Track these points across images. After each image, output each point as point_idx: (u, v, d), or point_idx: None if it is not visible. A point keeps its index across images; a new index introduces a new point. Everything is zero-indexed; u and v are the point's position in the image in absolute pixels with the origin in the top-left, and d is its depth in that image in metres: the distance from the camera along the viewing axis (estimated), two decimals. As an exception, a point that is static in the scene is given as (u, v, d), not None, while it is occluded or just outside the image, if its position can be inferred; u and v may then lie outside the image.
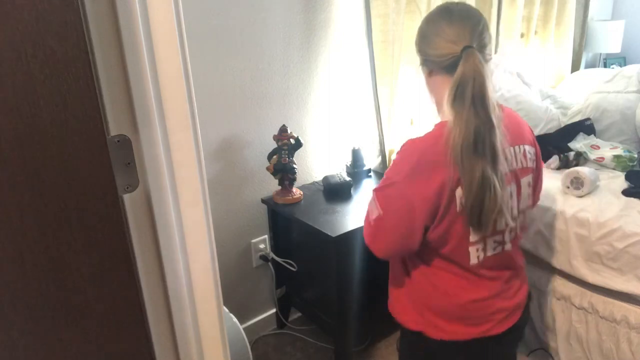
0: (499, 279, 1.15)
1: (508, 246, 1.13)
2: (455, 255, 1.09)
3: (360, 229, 1.66)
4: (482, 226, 1.04)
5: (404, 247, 1.10)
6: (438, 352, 1.17)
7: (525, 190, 1.14)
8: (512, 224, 1.10)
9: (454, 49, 1.03)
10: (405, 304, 1.20)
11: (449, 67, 1.05)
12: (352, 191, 1.96)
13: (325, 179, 1.97)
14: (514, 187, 1.10)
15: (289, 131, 1.81)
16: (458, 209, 1.03)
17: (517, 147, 1.12)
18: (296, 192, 1.89)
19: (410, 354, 1.27)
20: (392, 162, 1.14)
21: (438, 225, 1.05)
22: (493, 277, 1.14)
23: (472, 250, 1.08)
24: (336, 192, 1.93)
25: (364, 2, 2.03)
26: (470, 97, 1.00)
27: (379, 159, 2.24)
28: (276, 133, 1.81)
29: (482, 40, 1.05)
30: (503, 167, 1.02)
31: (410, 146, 1.07)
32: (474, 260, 1.09)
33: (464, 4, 1.12)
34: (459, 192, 1.02)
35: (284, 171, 1.82)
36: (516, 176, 1.11)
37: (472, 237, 1.06)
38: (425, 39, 1.11)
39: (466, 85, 1.00)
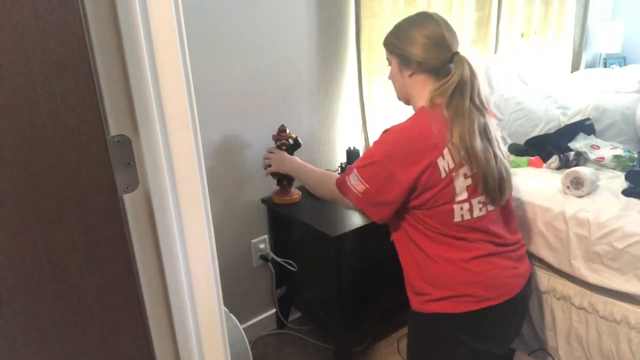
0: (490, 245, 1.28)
1: (491, 207, 1.29)
2: (439, 218, 1.23)
3: (362, 227, 1.67)
4: (496, 191, 1.25)
5: (393, 210, 1.26)
6: (451, 325, 1.26)
7: None
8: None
9: (444, 54, 1.23)
10: (419, 288, 1.32)
11: (434, 69, 1.25)
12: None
13: None
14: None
15: (287, 131, 1.80)
16: (442, 175, 1.20)
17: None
18: (295, 192, 1.88)
19: (423, 338, 1.34)
20: (374, 143, 1.27)
21: (424, 192, 1.21)
22: (480, 240, 1.27)
23: (456, 208, 1.23)
24: None
25: (354, 1, 2.01)
26: (469, 96, 1.21)
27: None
28: (275, 133, 1.81)
29: (459, 46, 1.27)
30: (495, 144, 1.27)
31: (397, 134, 1.23)
32: (457, 218, 1.23)
33: (439, 15, 1.29)
34: (441, 160, 1.19)
35: None
36: None
37: (458, 197, 1.23)
38: (411, 40, 1.25)
39: (464, 86, 1.20)
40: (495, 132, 1.31)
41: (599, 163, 1.97)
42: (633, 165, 1.93)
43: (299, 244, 1.91)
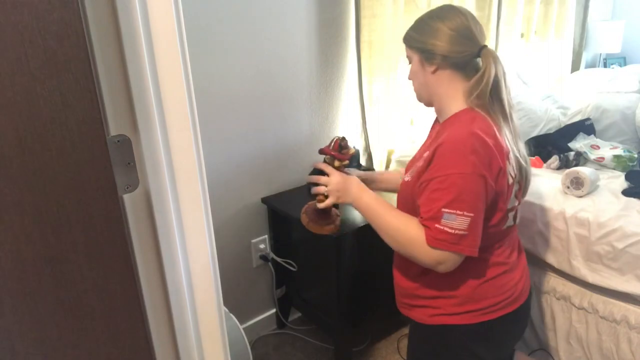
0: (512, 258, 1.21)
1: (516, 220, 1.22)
2: (492, 232, 1.13)
3: (362, 227, 1.67)
4: (526, 191, 1.19)
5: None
6: (465, 336, 1.18)
7: None
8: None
9: (471, 47, 1.09)
10: (426, 302, 1.20)
11: (460, 64, 1.11)
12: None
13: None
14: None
15: (350, 145, 1.31)
16: (510, 181, 1.09)
17: None
18: (338, 215, 1.35)
19: (430, 350, 1.24)
20: (434, 170, 1.05)
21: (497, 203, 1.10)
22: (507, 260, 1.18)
23: (509, 216, 1.16)
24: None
25: (354, 2, 2.01)
26: (506, 96, 1.10)
27: (365, 157, 2.24)
28: (327, 146, 1.29)
29: (485, 40, 1.13)
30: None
31: (466, 139, 1.03)
32: (505, 225, 1.15)
33: (465, 7, 1.15)
34: (508, 165, 1.08)
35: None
36: None
37: (510, 205, 1.13)
38: (435, 33, 1.10)
39: (500, 87, 1.09)
40: None
41: (599, 163, 1.97)
42: (633, 165, 1.93)
43: (299, 244, 1.91)
